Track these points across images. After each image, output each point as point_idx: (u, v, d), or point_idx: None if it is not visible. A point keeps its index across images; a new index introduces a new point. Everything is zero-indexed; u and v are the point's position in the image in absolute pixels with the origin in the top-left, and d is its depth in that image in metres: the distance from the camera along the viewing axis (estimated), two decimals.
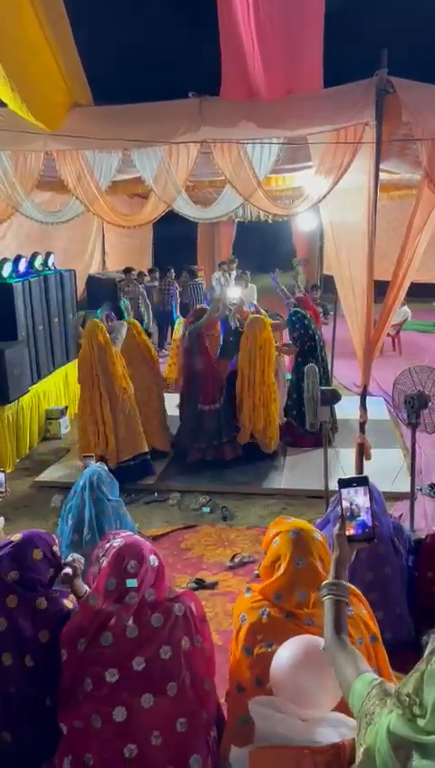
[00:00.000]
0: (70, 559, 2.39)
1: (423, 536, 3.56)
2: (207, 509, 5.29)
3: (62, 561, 2.37)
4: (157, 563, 2.19)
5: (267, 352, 5.98)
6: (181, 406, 6.28)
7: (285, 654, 1.94)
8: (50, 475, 6.03)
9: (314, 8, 4.09)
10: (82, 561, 2.44)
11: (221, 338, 6.54)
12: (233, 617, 2.34)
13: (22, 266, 7.14)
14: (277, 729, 1.88)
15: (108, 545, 2.25)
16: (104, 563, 2.19)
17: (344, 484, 1.71)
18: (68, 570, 2.34)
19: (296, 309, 6.69)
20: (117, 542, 2.21)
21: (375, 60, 4.21)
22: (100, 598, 2.12)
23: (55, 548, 2.34)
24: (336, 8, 4.55)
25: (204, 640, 2.19)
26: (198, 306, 6.66)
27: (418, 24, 13.69)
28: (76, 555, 2.42)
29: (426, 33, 13.52)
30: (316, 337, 6.59)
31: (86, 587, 2.43)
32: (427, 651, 1.12)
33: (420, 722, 1.10)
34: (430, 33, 13.47)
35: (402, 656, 2.62)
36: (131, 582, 2.10)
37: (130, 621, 2.07)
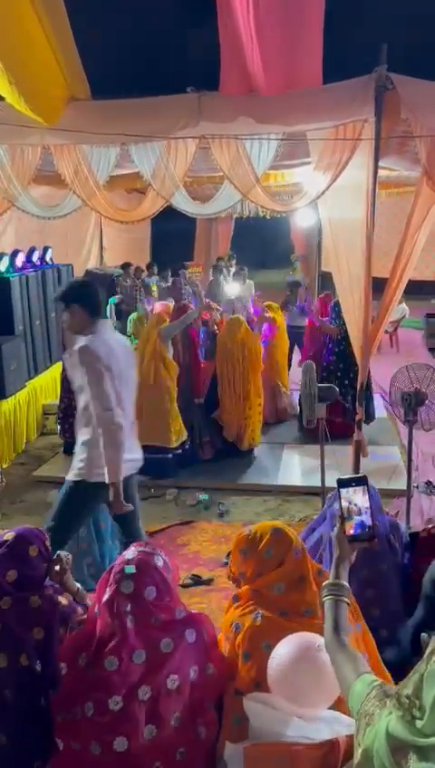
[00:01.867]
0: (57, 556, 2.38)
1: (419, 530, 3.56)
2: (205, 496, 5.28)
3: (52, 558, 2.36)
4: (162, 584, 2.06)
5: (243, 353, 5.91)
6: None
7: (282, 652, 1.94)
8: (47, 470, 6.02)
9: (313, 4, 4.07)
10: (70, 557, 2.41)
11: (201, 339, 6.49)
12: (223, 628, 2.30)
13: (19, 261, 7.11)
14: (272, 726, 1.89)
15: (121, 556, 2.15)
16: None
17: (343, 483, 1.71)
18: (56, 566, 2.33)
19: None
20: (129, 555, 2.10)
21: (375, 56, 4.19)
22: (102, 611, 2.03)
23: (47, 542, 2.34)
24: (336, 4, 4.52)
25: (214, 666, 2.10)
26: (181, 303, 6.65)
27: (418, 21, 13.65)
28: (64, 552, 2.40)
29: (426, 30, 13.47)
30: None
31: (78, 585, 2.42)
32: (427, 652, 1.12)
33: (419, 723, 1.10)
34: (429, 29, 13.43)
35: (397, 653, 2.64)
36: (129, 569, 2.02)
37: (139, 645, 1.96)
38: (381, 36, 4.31)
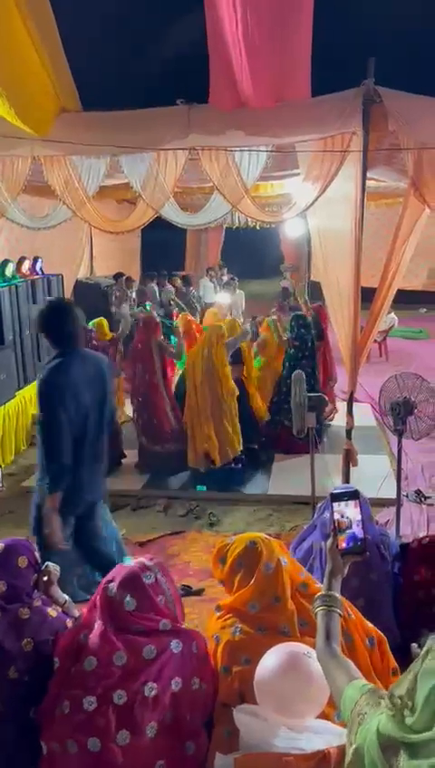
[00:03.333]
0: (45, 567, 2.37)
1: (409, 541, 3.57)
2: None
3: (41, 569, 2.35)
4: (150, 595, 2.08)
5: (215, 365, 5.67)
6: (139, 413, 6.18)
7: (270, 662, 1.94)
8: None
9: (301, 18, 4.13)
10: (58, 569, 2.41)
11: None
12: (207, 637, 2.32)
13: (9, 271, 7.11)
14: (262, 737, 1.88)
15: (120, 564, 2.20)
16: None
17: (336, 497, 1.73)
18: (44, 577, 2.32)
19: (298, 314, 6.78)
20: (127, 562, 2.15)
21: (362, 70, 4.25)
22: (94, 612, 2.06)
23: (36, 553, 2.34)
24: (324, 18, 4.57)
25: (202, 681, 2.07)
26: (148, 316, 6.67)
27: (404, 35, 13.86)
28: (52, 564, 2.40)
29: (412, 44, 13.68)
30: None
31: (65, 596, 2.41)
32: (422, 652, 1.13)
33: (409, 720, 1.11)
34: (416, 43, 13.64)
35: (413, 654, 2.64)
36: (127, 560, 2.05)
37: (120, 647, 1.97)
38: (368, 50, 4.37)
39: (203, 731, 2.08)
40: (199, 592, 4.14)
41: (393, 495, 4.71)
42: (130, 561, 2.18)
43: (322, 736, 1.82)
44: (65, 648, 2.05)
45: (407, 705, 1.12)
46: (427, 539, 3.37)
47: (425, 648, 1.13)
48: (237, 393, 5.77)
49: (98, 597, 2.11)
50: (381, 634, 2.32)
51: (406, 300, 9.95)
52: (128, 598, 2.05)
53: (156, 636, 2.04)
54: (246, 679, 2.00)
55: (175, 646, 2.05)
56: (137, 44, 15.40)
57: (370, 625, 2.32)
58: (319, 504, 3.72)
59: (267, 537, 2.35)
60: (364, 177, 4.43)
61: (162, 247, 13.05)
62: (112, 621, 2.03)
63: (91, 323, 6.09)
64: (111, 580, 2.10)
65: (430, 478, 5.82)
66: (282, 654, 1.95)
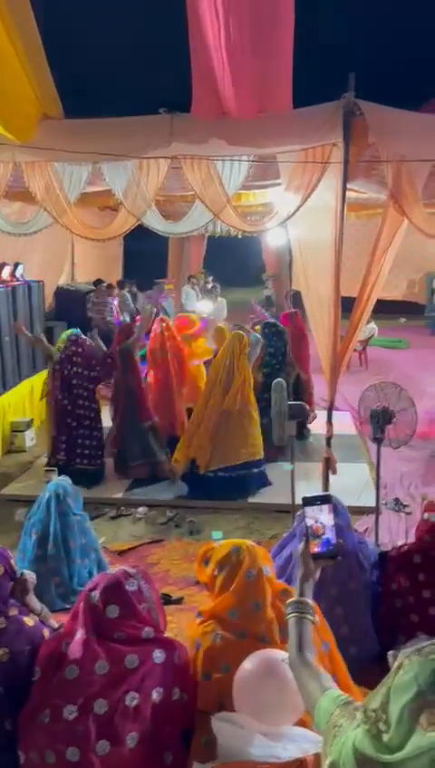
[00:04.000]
0: (21, 575, 2.35)
1: (388, 549, 3.60)
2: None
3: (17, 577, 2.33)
4: (133, 603, 2.07)
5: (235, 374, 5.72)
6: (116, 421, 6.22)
7: (248, 669, 1.94)
8: (14, 488, 5.93)
9: (283, 30, 4.18)
10: (34, 576, 2.39)
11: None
12: (188, 643, 2.31)
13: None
14: (240, 744, 1.87)
15: (104, 573, 2.19)
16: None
17: (308, 501, 1.72)
18: (20, 585, 2.30)
19: (269, 321, 6.82)
20: (110, 572, 2.14)
21: (343, 83, 4.31)
22: (76, 620, 2.04)
23: (12, 561, 2.31)
24: (305, 31, 4.63)
25: (183, 691, 2.07)
26: (124, 323, 6.69)
27: (384, 50, 14.10)
28: (28, 572, 2.38)
29: (392, 58, 13.92)
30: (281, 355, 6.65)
31: (42, 605, 2.39)
32: (394, 666, 1.13)
33: (385, 737, 1.11)
34: (395, 58, 13.88)
35: (368, 670, 2.64)
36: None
37: (102, 656, 1.96)
38: (349, 64, 4.44)
39: (181, 740, 2.07)
40: (179, 601, 4.12)
41: (372, 504, 4.74)
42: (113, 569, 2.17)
43: (298, 744, 1.82)
44: (46, 657, 2.03)
45: (381, 719, 1.12)
46: (405, 547, 3.40)
47: (396, 663, 1.13)
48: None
49: (80, 605, 2.09)
50: (334, 641, 2.33)
51: (385, 310, 10.06)
52: (111, 605, 2.04)
53: (138, 644, 2.03)
54: (226, 687, 1.99)
55: (157, 655, 2.03)
56: (120, 53, 15.43)
57: (328, 630, 2.32)
58: (298, 513, 3.74)
59: (253, 544, 2.35)
60: (344, 188, 4.49)
61: (144, 255, 13.05)
62: (95, 629, 2.02)
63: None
64: (93, 588, 2.09)
65: (408, 487, 5.87)
66: (259, 661, 1.95)
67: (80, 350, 5.79)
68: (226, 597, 2.23)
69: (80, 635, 2.02)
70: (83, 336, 5.94)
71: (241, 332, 5.75)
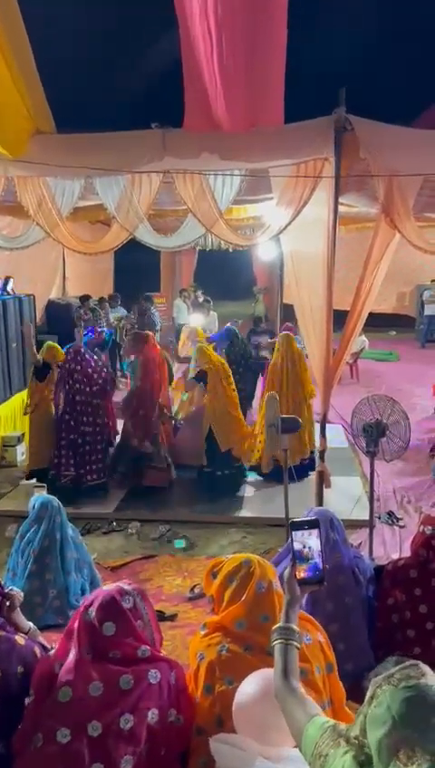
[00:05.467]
0: (9, 590, 2.31)
1: (383, 564, 3.57)
2: (180, 542, 5.19)
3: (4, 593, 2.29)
4: (129, 621, 2.02)
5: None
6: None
7: (248, 690, 1.90)
8: (5, 504, 5.87)
9: (275, 47, 4.21)
10: (22, 594, 2.35)
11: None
12: (189, 656, 2.28)
13: None
14: (239, 767, 1.84)
15: (99, 589, 2.12)
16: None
17: (296, 526, 1.71)
18: (7, 602, 2.26)
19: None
20: (106, 588, 2.07)
21: (334, 98, 4.35)
22: (70, 639, 1.99)
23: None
24: (297, 47, 4.67)
25: (179, 712, 2.02)
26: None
27: (374, 65, 14.30)
28: (15, 588, 2.34)
29: (382, 74, 14.12)
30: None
31: (30, 624, 2.35)
32: (367, 695, 1.12)
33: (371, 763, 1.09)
34: (385, 73, 14.08)
35: (364, 687, 2.61)
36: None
37: (96, 677, 1.91)
38: (339, 79, 4.48)
39: (177, 763, 2.03)
40: (173, 617, 4.07)
41: (366, 517, 4.72)
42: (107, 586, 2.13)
43: (298, 766, 1.79)
44: (39, 678, 1.98)
45: (365, 744, 1.10)
46: (401, 561, 3.38)
47: (369, 693, 1.12)
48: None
49: (75, 623, 2.04)
50: (335, 663, 2.30)
51: (376, 323, 10.12)
52: (107, 623, 2.00)
53: (134, 664, 1.98)
54: (227, 701, 1.95)
55: (153, 676, 1.99)
56: (112, 68, 15.54)
57: (329, 651, 2.29)
58: None
59: (263, 560, 2.32)
60: (336, 202, 4.51)
61: (136, 268, 13.07)
62: (90, 648, 1.97)
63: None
64: (89, 605, 2.04)
65: (401, 500, 5.86)
66: (259, 681, 1.91)
67: (79, 367, 5.73)
68: (235, 608, 2.20)
69: (73, 655, 1.98)
70: (84, 350, 5.92)
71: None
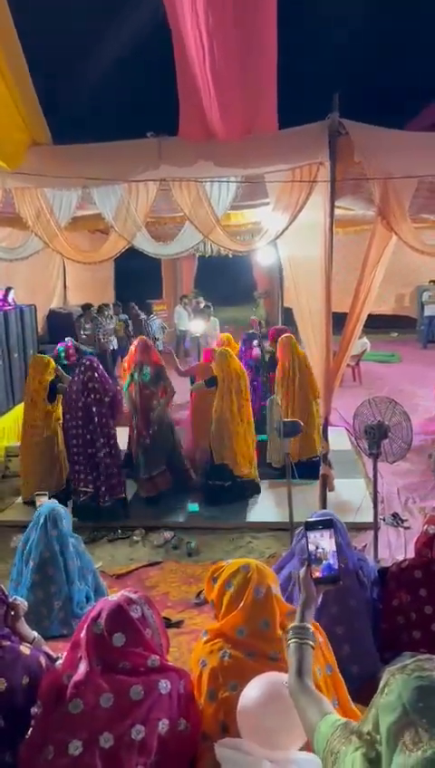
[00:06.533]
0: (13, 599, 2.32)
1: (388, 565, 3.57)
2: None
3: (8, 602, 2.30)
4: (138, 629, 2.02)
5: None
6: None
7: (252, 694, 1.91)
8: (9, 514, 5.88)
9: (267, 53, 4.24)
10: (26, 603, 2.36)
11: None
12: (191, 663, 2.28)
13: None
14: None
15: (105, 598, 2.11)
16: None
17: (310, 527, 1.73)
18: (11, 611, 2.27)
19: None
20: (113, 597, 2.07)
21: (327, 103, 4.38)
22: (79, 650, 2.00)
23: (3, 587, 2.29)
24: (289, 53, 4.71)
25: (188, 721, 2.02)
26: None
27: (367, 69, 14.36)
28: (19, 598, 2.34)
29: (375, 78, 14.17)
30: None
31: (34, 633, 2.35)
32: (380, 685, 1.13)
33: (381, 759, 1.10)
34: (378, 77, 14.13)
35: (370, 689, 2.61)
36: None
37: (107, 688, 1.91)
38: (333, 83, 4.51)
39: None
40: (179, 624, 4.08)
41: (370, 520, 4.72)
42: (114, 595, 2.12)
43: None
44: (48, 690, 1.97)
45: (377, 740, 1.11)
46: (405, 563, 3.37)
47: (382, 682, 1.13)
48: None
49: (82, 635, 2.04)
50: (335, 663, 2.30)
51: (377, 324, 10.12)
52: (116, 634, 1.99)
53: (144, 675, 1.98)
54: (231, 707, 1.96)
55: (163, 686, 1.99)
56: (106, 78, 15.63)
57: (328, 652, 2.29)
58: (297, 531, 3.71)
59: (263, 565, 2.33)
60: (332, 206, 4.53)
61: (136, 276, 13.12)
62: (99, 659, 1.96)
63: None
64: (96, 617, 2.02)
65: (405, 501, 5.86)
66: (263, 685, 1.92)
67: (95, 374, 5.60)
68: (234, 615, 2.20)
69: (83, 667, 1.96)
70: (97, 362, 5.78)
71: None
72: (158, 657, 2.05)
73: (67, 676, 1.96)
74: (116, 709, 1.89)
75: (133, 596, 2.10)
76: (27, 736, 1.94)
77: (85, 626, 2.02)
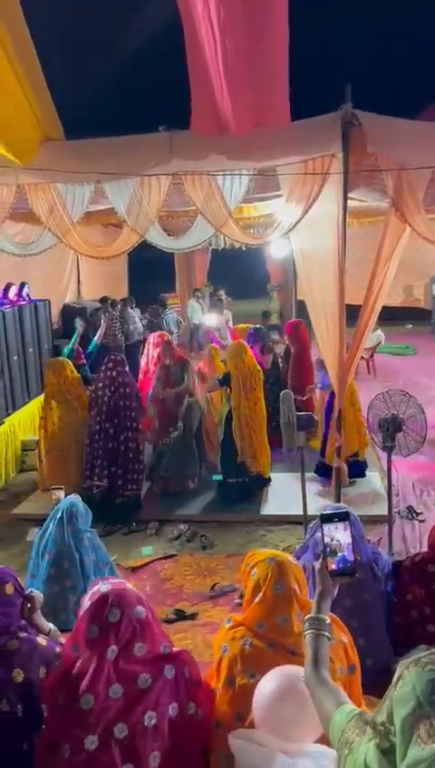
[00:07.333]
0: (29, 592, 2.34)
1: (402, 559, 3.57)
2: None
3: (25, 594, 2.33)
4: (144, 615, 2.03)
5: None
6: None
7: (267, 686, 1.92)
8: (26, 507, 5.94)
9: (279, 47, 4.22)
10: (42, 596, 2.38)
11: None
12: (214, 648, 2.30)
13: None
14: (258, 763, 1.86)
15: (95, 589, 2.08)
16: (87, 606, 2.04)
17: (326, 519, 1.74)
18: (28, 604, 2.30)
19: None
20: (104, 588, 2.05)
21: (340, 93, 4.34)
22: (80, 645, 1.99)
23: (20, 579, 2.31)
24: (301, 44, 4.67)
25: (197, 706, 2.05)
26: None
27: (380, 59, 14.21)
28: (36, 591, 2.36)
29: (388, 68, 14.02)
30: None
31: (50, 625, 2.38)
32: (394, 677, 1.14)
33: (395, 750, 1.10)
34: (391, 67, 13.97)
35: (383, 683, 2.62)
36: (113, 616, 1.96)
37: (115, 679, 1.92)
38: (345, 74, 4.47)
39: (201, 759, 2.05)
40: (193, 616, 4.11)
41: (385, 513, 4.71)
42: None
43: (317, 761, 1.80)
44: (56, 687, 1.98)
45: (390, 731, 1.12)
46: (419, 557, 3.37)
47: (396, 674, 1.14)
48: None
49: (93, 620, 2.00)
50: (358, 665, 2.30)
51: (391, 317, 10.04)
52: (132, 615, 1.99)
53: (150, 663, 2.00)
54: (247, 695, 1.98)
55: (168, 671, 2.01)
56: (118, 73, 15.60)
57: (352, 652, 2.29)
58: (311, 524, 3.72)
59: (289, 560, 2.33)
60: (345, 198, 4.51)
61: (149, 270, 13.11)
62: (117, 646, 1.96)
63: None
64: (103, 604, 2.00)
65: (420, 494, 5.83)
66: (280, 678, 1.93)
67: (124, 369, 5.72)
68: (253, 609, 2.22)
69: (91, 660, 1.96)
70: (118, 355, 5.92)
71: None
72: (168, 643, 2.07)
73: (76, 674, 1.94)
74: (126, 699, 1.92)
75: (119, 582, 2.11)
76: (40, 735, 1.95)
77: (93, 616, 1.98)
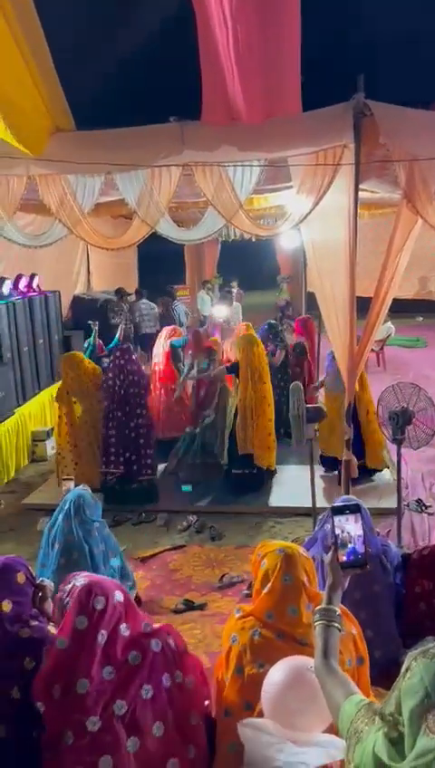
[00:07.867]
0: (40, 581, 2.36)
1: (411, 551, 3.57)
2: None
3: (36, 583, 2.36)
4: (123, 598, 2.09)
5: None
6: None
7: (276, 676, 1.94)
8: (36, 497, 5.99)
9: (291, 36, 4.18)
10: (52, 585, 2.40)
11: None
12: (223, 638, 2.32)
13: (6, 288, 7.15)
14: (267, 752, 1.87)
15: (70, 586, 2.11)
16: (69, 604, 2.06)
17: (337, 511, 1.74)
18: (39, 593, 2.32)
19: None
20: (79, 582, 2.09)
21: (352, 83, 4.30)
22: (67, 640, 2.00)
23: (30, 568, 2.34)
24: (313, 34, 4.64)
25: (185, 674, 2.12)
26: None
27: (393, 49, 14.06)
28: (47, 580, 2.39)
29: (401, 58, 13.87)
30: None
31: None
32: (402, 669, 1.14)
33: (403, 740, 1.11)
34: (404, 57, 13.82)
35: (392, 674, 2.62)
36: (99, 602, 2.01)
37: (106, 662, 1.97)
38: (357, 64, 4.43)
39: (203, 734, 2.10)
40: (202, 607, 4.13)
41: (394, 505, 4.71)
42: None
43: (326, 750, 1.81)
44: (46, 685, 1.98)
45: (398, 721, 1.13)
46: (427, 550, 3.37)
47: (405, 666, 1.14)
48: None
49: (79, 610, 2.03)
50: (367, 657, 2.31)
51: (403, 308, 9.98)
52: (114, 600, 2.05)
53: (136, 640, 2.06)
54: (256, 685, 2.00)
55: (155, 645, 2.08)
56: (129, 63, 15.54)
57: (361, 644, 2.30)
58: (320, 516, 3.72)
59: (302, 554, 2.34)
60: (357, 190, 4.47)
61: (159, 261, 13.11)
62: (106, 630, 2.01)
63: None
64: (88, 594, 2.05)
65: (430, 487, 5.82)
66: (288, 668, 1.94)
67: (129, 362, 5.80)
68: (262, 600, 2.24)
69: (82, 648, 1.98)
70: (126, 343, 6.08)
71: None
72: (149, 621, 2.14)
73: (69, 665, 1.96)
74: (120, 677, 1.97)
75: (101, 576, 2.20)
76: (43, 733, 1.96)
77: (85, 620, 2.01)
